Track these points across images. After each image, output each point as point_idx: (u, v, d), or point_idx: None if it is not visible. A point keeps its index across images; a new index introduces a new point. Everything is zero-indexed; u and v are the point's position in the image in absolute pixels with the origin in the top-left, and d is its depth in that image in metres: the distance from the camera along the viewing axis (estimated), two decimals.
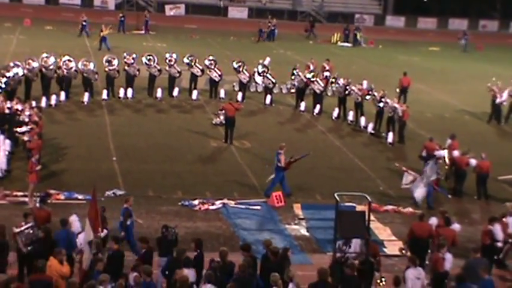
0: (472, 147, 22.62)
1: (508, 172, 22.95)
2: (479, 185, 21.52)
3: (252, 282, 13.13)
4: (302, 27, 57.33)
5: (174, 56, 31.44)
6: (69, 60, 29.39)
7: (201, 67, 31.57)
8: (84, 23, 45.99)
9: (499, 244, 15.97)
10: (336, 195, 14.99)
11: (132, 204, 16.66)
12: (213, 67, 31.41)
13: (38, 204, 16.42)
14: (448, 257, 14.56)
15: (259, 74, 31.78)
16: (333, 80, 30.62)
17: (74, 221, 15.16)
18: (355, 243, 14.80)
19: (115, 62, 30.06)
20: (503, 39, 61.21)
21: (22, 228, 14.38)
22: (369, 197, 15.27)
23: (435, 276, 14.44)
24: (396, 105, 26.54)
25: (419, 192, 20.35)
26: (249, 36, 51.70)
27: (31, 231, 14.26)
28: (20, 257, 14.22)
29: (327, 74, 32.12)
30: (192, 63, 31.49)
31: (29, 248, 14.04)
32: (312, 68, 32.42)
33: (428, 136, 23.89)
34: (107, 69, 29.86)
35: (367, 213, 14.74)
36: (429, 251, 16.15)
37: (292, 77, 31.25)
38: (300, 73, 31.01)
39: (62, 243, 14.02)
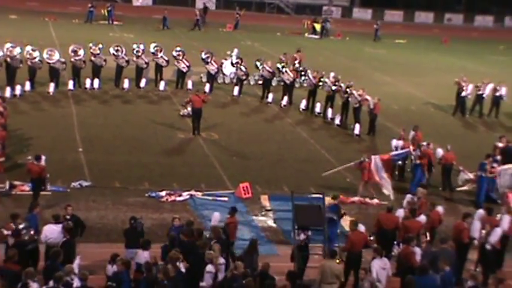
0: (437, 139, 22.82)
1: (473, 164, 23.12)
2: (444, 176, 21.79)
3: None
4: (269, 18, 57.17)
5: (142, 46, 31.22)
6: (33, 50, 29.02)
7: (166, 58, 31.36)
8: None
9: (476, 242, 15.89)
10: (291, 192, 15.99)
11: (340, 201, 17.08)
12: (180, 58, 31.27)
13: (33, 161, 18.03)
14: (417, 250, 14.67)
15: (232, 64, 31.75)
16: (302, 72, 30.74)
17: None
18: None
19: (81, 52, 29.69)
20: (467, 33, 61.89)
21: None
22: (325, 194, 16.20)
23: (406, 270, 14.40)
24: (368, 97, 26.65)
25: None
26: (216, 27, 51.58)
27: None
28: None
29: (297, 65, 32.25)
30: (158, 53, 31.28)
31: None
32: (298, 60, 33.07)
33: (394, 128, 24.04)
34: (72, 59, 29.51)
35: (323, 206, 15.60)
36: (395, 242, 16.33)
37: (260, 69, 31.25)
38: (265, 65, 31.04)
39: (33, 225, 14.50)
